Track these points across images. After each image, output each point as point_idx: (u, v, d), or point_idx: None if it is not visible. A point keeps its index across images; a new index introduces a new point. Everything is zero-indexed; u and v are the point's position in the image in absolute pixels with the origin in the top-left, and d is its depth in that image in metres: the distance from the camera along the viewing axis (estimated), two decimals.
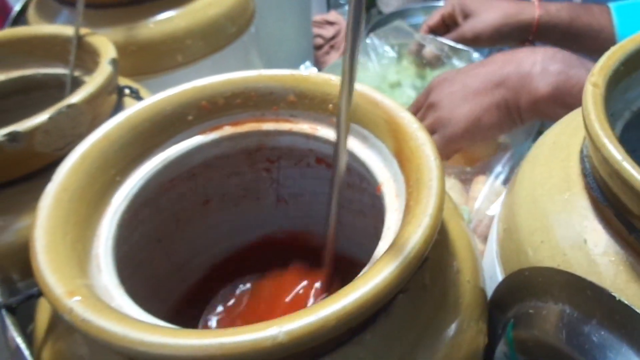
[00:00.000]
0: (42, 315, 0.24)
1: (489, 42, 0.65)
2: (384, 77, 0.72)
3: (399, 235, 0.21)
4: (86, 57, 0.41)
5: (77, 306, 0.19)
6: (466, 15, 0.66)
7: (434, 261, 0.24)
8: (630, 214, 0.20)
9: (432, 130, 0.52)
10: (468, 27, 0.64)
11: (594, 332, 0.18)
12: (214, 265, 0.40)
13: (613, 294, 0.18)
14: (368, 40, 0.71)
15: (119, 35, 0.47)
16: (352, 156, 0.29)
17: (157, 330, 0.18)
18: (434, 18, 0.69)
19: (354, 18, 0.20)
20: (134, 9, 0.48)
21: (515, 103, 0.48)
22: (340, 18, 1.02)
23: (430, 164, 0.23)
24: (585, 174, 0.23)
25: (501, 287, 0.25)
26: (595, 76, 0.23)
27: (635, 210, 0.19)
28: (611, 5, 0.60)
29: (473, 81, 0.50)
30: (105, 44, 0.39)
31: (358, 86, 0.29)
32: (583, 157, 0.24)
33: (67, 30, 0.41)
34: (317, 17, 1.01)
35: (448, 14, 0.67)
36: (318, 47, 0.99)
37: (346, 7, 1.10)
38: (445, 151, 0.52)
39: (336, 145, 0.24)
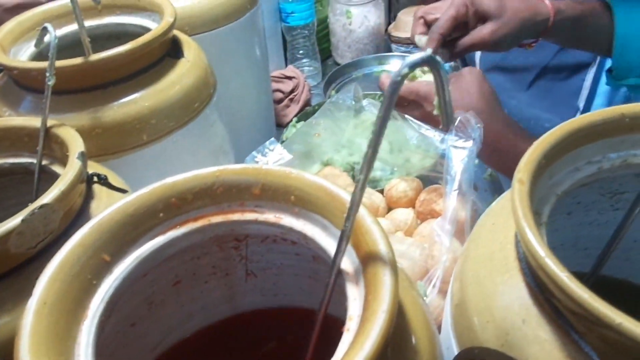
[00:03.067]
0: None
1: (509, 47, 0.64)
2: (341, 131, 0.76)
3: (360, 330, 0.23)
4: (54, 147, 0.42)
5: None
6: (482, 18, 0.62)
7: (394, 339, 0.26)
8: (556, 299, 0.23)
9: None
10: (488, 32, 0.61)
11: None
12: (186, 340, 0.42)
13: None
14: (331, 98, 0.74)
15: (84, 119, 0.48)
16: (315, 243, 0.32)
17: None
18: (445, 24, 0.62)
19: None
20: (99, 93, 0.49)
21: None
22: (297, 72, 1.06)
23: (384, 258, 0.26)
24: (519, 258, 0.26)
25: None
26: (520, 172, 0.26)
27: (561, 299, 0.22)
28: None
29: None
30: (72, 136, 0.40)
31: (317, 179, 0.32)
32: (517, 242, 0.27)
33: (35, 122, 0.43)
34: (276, 73, 1.05)
35: (461, 16, 0.62)
36: (278, 101, 1.02)
37: (304, 60, 1.15)
38: None
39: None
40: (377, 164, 0.68)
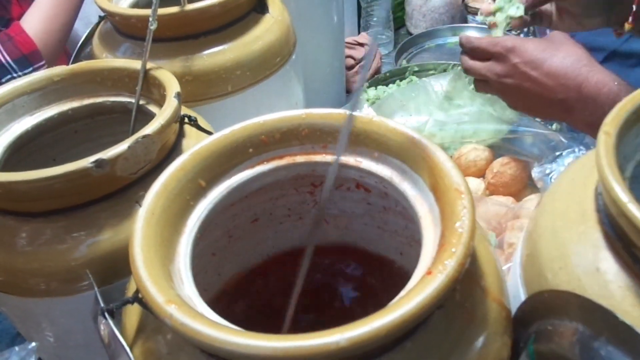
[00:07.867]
0: (131, 319, 0.29)
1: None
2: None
3: (437, 260, 0.25)
4: (151, 88, 0.46)
5: (175, 312, 0.23)
6: None
7: (465, 281, 0.27)
8: (635, 247, 0.23)
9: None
10: None
11: (602, 347, 0.22)
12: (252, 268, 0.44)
13: (617, 315, 0.21)
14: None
15: (176, 66, 0.52)
16: (392, 187, 0.33)
17: (243, 334, 0.22)
18: None
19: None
20: (190, 43, 0.53)
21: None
22: (370, 39, 1.06)
23: (463, 199, 0.27)
24: (599, 210, 0.27)
25: (524, 306, 0.28)
26: (607, 125, 0.26)
27: (639, 245, 0.23)
28: None
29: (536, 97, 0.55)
30: (170, 78, 0.44)
31: (399, 125, 0.33)
32: (597, 195, 0.27)
33: (135, 64, 0.46)
34: (348, 39, 1.05)
35: None
36: (349, 68, 1.03)
37: (377, 28, 1.14)
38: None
39: None
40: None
